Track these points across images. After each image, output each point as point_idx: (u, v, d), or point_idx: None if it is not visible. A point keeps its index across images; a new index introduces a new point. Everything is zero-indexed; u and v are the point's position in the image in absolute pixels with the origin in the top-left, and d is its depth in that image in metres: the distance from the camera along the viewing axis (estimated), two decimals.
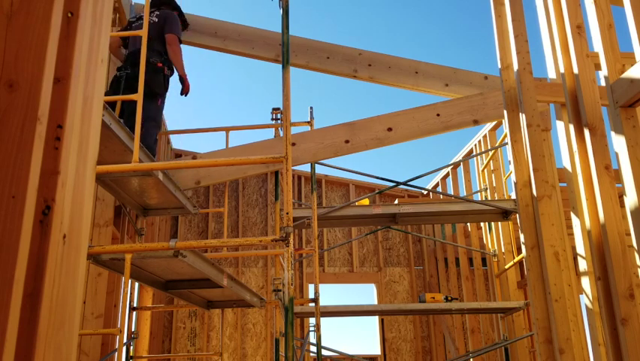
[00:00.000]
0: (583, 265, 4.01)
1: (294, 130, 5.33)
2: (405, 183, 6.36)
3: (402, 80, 5.93)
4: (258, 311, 8.54)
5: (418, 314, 8.55)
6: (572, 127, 3.34)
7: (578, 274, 4.17)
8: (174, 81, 5.00)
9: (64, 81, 0.90)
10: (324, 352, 5.96)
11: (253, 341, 8.54)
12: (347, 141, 5.33)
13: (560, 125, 4.26)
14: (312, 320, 6.08)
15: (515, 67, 4.19)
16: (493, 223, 7.38)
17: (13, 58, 0.84)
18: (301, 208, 6.46)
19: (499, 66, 4.42)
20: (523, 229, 3.94)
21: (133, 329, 4.84)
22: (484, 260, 8.26)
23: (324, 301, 6.26)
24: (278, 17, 4.31)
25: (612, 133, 2.87)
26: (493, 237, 7.44)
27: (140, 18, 4.91)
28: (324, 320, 6.34)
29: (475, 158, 7.87)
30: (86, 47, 0.97)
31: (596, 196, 3.05)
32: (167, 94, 4.95)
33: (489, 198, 7.34)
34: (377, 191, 8.29)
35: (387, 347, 8.90)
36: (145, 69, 3.86)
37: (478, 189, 7.78)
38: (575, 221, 4.08)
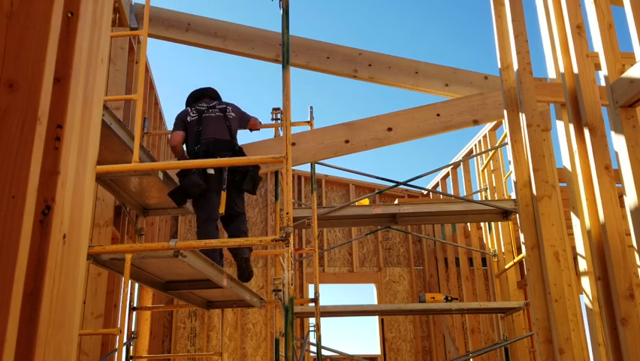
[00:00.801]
0: (583, 265, 4.01)
1: (294, 130, 5.32)
2: (405, 183, 6.37)
3: (402, 80, 5.92)
4: (258, 311, 8.54)
5: (418, 314, 8.55)
6: (572, 127, 3.34)
7: (578, 274, 4.17)
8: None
9: (64, 81, 0.90)
10: (324, 352, 5.96)
11: (253, 341, 8.54)
12: (347, 141, 5.33)
13: (560, 125, 4.26)
14: (312, 320, 6.09)
15: (515, 67, 4.19)
16: (493, 223, 7.38)
17: (13, 58, 0.84)
18: (301, 208, 6.46)
19: (499, 66, 4.42)
20: (523, 229, 3.94)
21: (133, 329, 4.84)
22: (484, 260, 8.26)
23: (324, 301, 6.26)
24: (278, 17, 4.31)
25: (612, 133, 2.87)
26: (493, 237, 7.44)
27: (214, 107, 4.67)
28: (324, 320, 6.34)
29: (475, 158, 7.87)
30: (86, 46, 0.97)
31: (596, 196, 3.05)
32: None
33: (489, 198, 7.34)
34: (377, 191, 8.29)
35: (387, 347, 8.90)
36: (250, 166, 4.32)
37: (478, 189, 7.79)
38: (575, 221, 4.08)
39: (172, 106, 22.52)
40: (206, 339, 8.42)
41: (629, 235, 2.76)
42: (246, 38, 6.01)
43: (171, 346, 8.33)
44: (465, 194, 7.80)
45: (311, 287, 8.70)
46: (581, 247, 4.04)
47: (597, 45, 3.06)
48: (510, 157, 4.28)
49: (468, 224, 7.90)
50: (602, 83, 3.07)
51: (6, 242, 0.77)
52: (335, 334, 12.10)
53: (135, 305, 4.98)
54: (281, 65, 3.66)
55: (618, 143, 2.80)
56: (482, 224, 7.73)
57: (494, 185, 7.37)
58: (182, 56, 26.45)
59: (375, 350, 9.05)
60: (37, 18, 0.86)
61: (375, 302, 9.09)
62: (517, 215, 4.10)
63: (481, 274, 7.65)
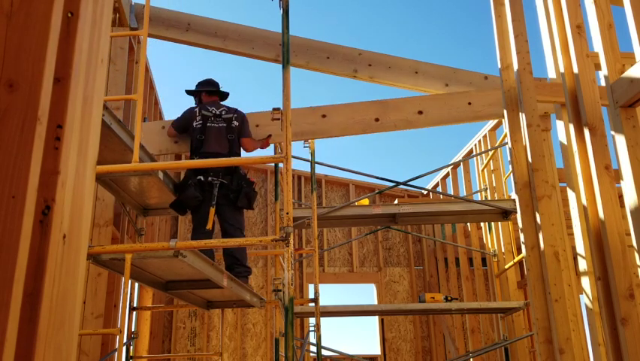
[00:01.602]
0: (583, 265, 4.01)
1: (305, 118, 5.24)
2: (405, 183, 6.37)
3: (402, 80, 5.91)
4: (258, 311, 8.54)
5: (417, 314, 8.55)
6: (572, 127, 3.34)
7: (578, 274, 4.17)
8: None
9: (64, 81, 0.90)
10: (324, 352, 5.96)
11: (253, 341, 8.54)
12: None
13: (560, 125, 4.26)
14: (312, 320, 6.08)
15: (515, 67, 4.19)
16: (493, 223, 7.38)
17: (13, 58, 0.84)
18: (301, 208, 6.46)
19: (499, 66, 4.42)
20: (523, 229, 3.94)
21: (133, 329, 4.83)
22: (484, 260, 8.26)
23: (324, 301, 6.26)
24: (278, 17, 4.31)
25: (612, 133, 2.87)
26: (493, 237, 7.44)
27: (220, 115, 4.70)
28: (324, 320, 6.34)
29: (475, 158, 7.87)
30: (86, 46, 0.97)
31: (596, 196, 3.05)
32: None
33: (489, 198, 7.34)
34: (377, 191, 8.29)
35: (387, 347, 8.90)
36: (244, 183, 4.42)
37: (478, 189, 7.78)
38: (575, 221, 4.08)
39: (172, 106, 22.55)
40: (206, 339, 8.42)
41: (629, 235, 2.76)
42: (245, 38, 6.00)
43: (171, 346, 8.33)
44: (465, 194, 7.80)
45: (311, 287, 8.70)
46: (581, 247, 4.04)
47: (597, 45, 3.06)
48: (510, 157, 4.28)
49: (468, 224, 7.90)
50: (602, 83, 3.07)
51: (6, 242, 0.77)
52: (335, 334, 12.11)
53: (135, 305, 4.97)
54: (281, 65, 3.66)
55: (618, 143, 2.80)
56: (482, 224, 7.73)
57: (494, 185, 7.37)
58: (182, 56, 26.49)
59: (375, 350, 9.05)
60: (37, 18, 0.86)
61: (375, 302, 9.10)
62: (517, 215, 4.10)
63: (481, 274, 7.65)
